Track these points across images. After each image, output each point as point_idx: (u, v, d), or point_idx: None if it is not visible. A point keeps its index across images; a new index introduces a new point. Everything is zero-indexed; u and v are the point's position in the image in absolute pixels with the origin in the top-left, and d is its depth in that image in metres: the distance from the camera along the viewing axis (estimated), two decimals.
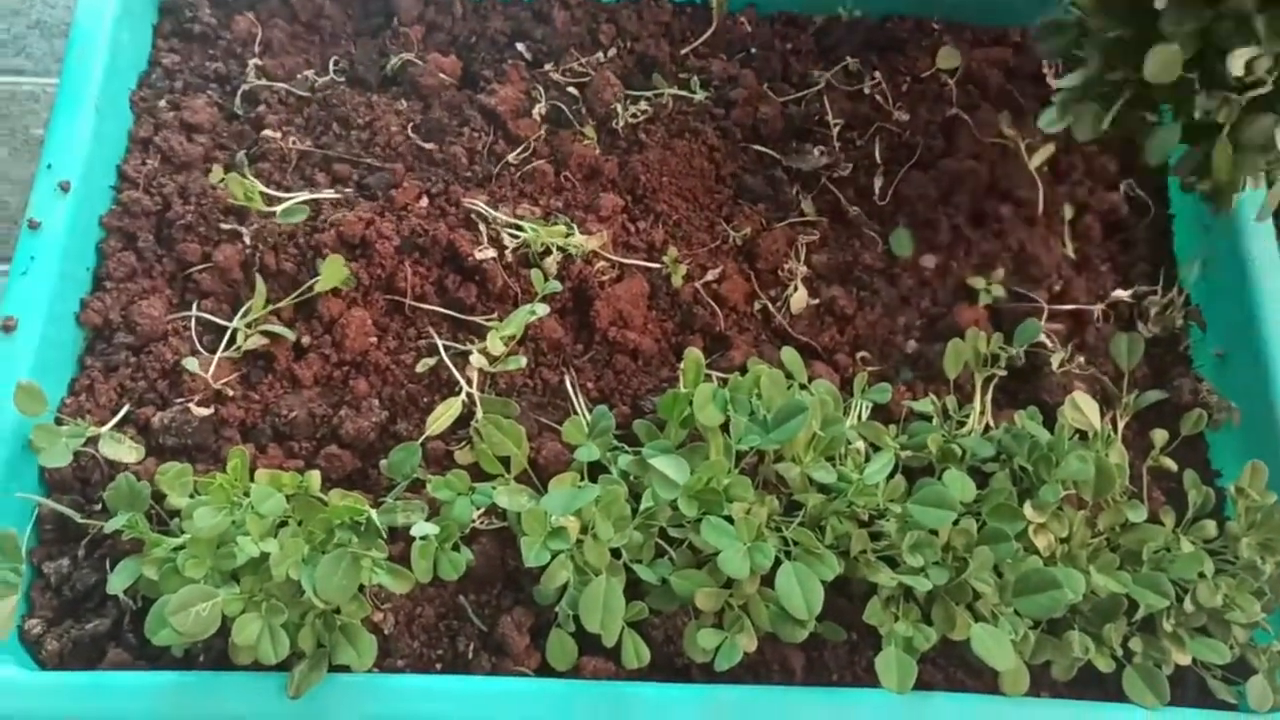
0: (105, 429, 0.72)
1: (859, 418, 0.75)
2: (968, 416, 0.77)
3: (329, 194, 0.81)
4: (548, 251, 0.79)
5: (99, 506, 0.72)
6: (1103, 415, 0.78)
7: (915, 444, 0.73)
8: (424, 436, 0.71)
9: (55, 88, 0.84)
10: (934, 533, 0.67)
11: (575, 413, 0.74)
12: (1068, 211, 0.86)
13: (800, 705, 0.65)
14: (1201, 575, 0.68)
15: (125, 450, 0.72)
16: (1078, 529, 0.70)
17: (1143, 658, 0.68)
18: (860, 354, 0.81)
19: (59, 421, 0.73)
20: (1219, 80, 0.66)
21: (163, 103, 0.86)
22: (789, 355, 0.73)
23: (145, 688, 0.65)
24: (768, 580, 0.65)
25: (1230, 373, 0.81)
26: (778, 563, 0.64)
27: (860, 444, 0.72)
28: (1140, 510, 0.71)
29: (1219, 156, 0.68)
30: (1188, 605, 0.68)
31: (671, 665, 0.69)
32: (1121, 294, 0.83)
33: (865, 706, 0.65)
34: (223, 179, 0.78)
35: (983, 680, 0.70)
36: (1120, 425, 0.79)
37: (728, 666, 0.63)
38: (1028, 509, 0.68)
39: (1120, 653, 0.68)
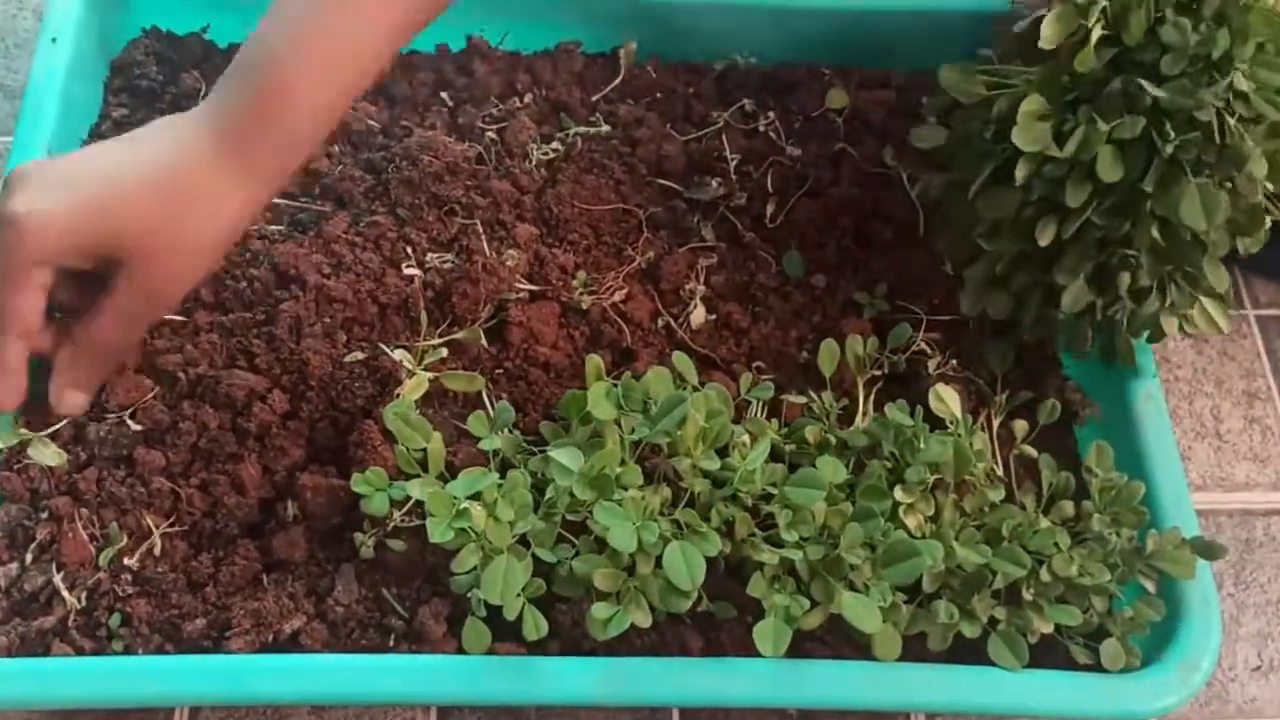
0: (38, 435, 0.78)
1: (754, 417, 0.82)
2: (854, 417, 0.84)
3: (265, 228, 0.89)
4: (466, 276, 0.86)
5: (45, 515, 0.78)
6: (977, 415, 0.85)
7: (797, 437, 0.80)
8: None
9: None
10: (813, 514, 0.73)
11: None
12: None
13: (689, 673, 0.72)
14: (1057, 547, 0.75)
15: (50, 455, 0.78)
16: (946, 510, 0.76)
17: (1006, 625, 0.74)
18: (756, 364, 0.88)
19: None
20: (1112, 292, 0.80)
21: None
22: (680, 359, 0.80)
23: (86, 672, 0.71)
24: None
25: (1093, 373, 0.88)
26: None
27: (747, 438, 0.78)
28: (1001, 492, 0.78)
29: (1122, 346, 0.85)
30: (1044, 575, 0.74)
31: (579, 649, 0.75)
32: None
33: (748, 673, 0.72)
34: None
35: (868, 656, 0.76)
36: (995, 423, 0.86)
37: (617, 633, 0.69)
38: (898, 491, 0.75)
39: (986, 622, 0.74)
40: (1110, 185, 0.73)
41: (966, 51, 0.87)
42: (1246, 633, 0.91)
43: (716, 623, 0.76)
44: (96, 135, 0.95)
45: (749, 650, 0.76)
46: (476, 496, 0.70)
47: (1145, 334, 0.84)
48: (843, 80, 1.02)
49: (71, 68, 0.93)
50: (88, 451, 0.80)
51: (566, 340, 0.87)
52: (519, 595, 0.70)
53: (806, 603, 0.71)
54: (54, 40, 0.92)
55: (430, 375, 0.81)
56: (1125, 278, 0.78)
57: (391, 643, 0.75)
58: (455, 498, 0.69)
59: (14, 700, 0.70)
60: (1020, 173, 0.74)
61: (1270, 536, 0.96)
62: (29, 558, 0.77)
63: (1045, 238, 0.76)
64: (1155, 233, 0.75)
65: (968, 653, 0.75)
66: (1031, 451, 0.82)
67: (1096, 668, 0.75)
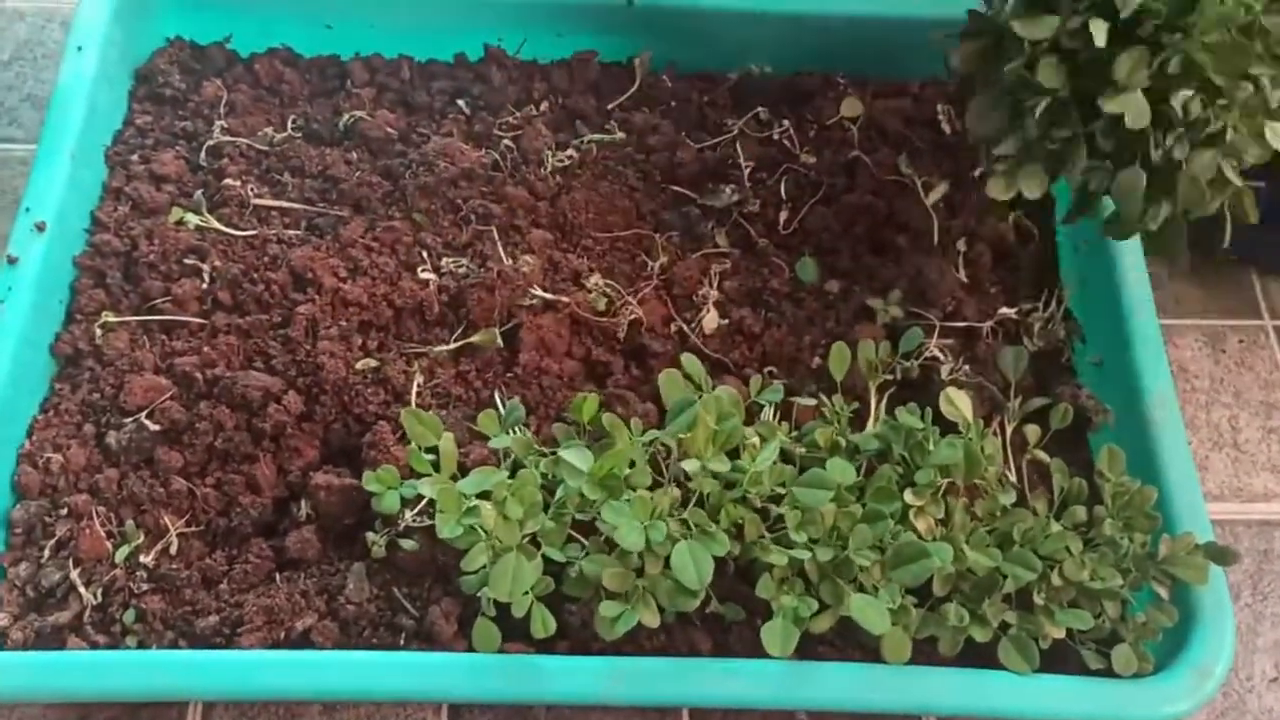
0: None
1: (765, 420, 0.82)
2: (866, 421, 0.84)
3: (284, 233, 0.90)
4: (481, 283, 0.87)
5: (64, 512, 0.79)
6: (990, 421, 0.85)
7: (808, 441, 0.80)
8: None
9: None
10: (821, 516, 0.73)
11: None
12: (961, 243, 0.94)
13: (696, 673, 0.71)
14: (1068, 551, 0.74)
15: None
16: (956, 513, 0.76)
17: (1017, 629, 0.74)
18: (768, 369, 0.88)
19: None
20: (1168, 122, 0.74)
21: (135, 157, 0.95)
22: (689, 361, 0.81)
23: (99, 665, 0.72)
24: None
25: (1107, 379, 0.88)
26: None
27: (757, 440, 0.78)
28: (1013, 496, 0.78)
29: (1187, 188, 0.76)
30: (1055, 579, 0.74)
31: (588, 649, 0.75)
32: (1008, 311, 0.90)
33: (755, 674, 0.71)
34: (181, 219, 0.87)
35: (877, 660, 0.75)
36: (1009, 429, 0.86)
37: (624, 631, 0.69)
38: (907, 494, 0.75)
39: (997, 626, 0.74)
40: None
41: None
42: (1264, 643, 0.90)
43: (725, 624, 0.76)
44: (120, 141, 0.97)
45: (758, 652, 0.76)
46: (486, 495, 0.71)
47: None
48: (858, 89, 1.03)
49: (97, 76, 0.95)
50: (111, 453, 0.81)
51: (579, 345, 0.88)
52: (527, 593, 0.70)
53: (815, 604, 0.71)
54: (79, 49, 0.94)
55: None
56: (1181, 90, 0.72)
57: (402, 641, 0.76)
58: (465, 495, 0.70)
59: (29, 693, 0.71)
60: None
61: None
62: (46, 554, 0.78)
63: (1100, 34, 0.70)
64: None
65: (978, 657, 0.75)
66: (1044, 456, 0.82)
67: (1109, 673, 0.75)
